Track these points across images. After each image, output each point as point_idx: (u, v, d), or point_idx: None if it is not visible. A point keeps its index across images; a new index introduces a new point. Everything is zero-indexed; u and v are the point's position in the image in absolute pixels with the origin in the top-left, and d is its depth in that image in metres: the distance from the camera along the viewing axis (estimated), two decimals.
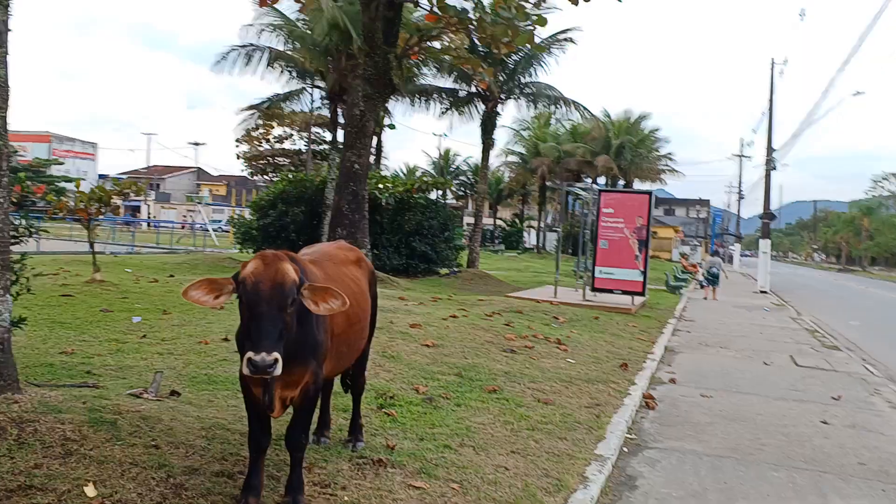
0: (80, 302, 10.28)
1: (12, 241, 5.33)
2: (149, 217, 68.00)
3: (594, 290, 16.78)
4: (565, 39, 23.52)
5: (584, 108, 25.62)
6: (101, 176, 73.81)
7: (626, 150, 52.14)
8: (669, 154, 58.92)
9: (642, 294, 16.73)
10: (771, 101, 30.48)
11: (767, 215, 30.11)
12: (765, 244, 29.35)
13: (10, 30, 4.27)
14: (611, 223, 16.45)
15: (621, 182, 53.69)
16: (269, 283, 3.20)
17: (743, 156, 57.27)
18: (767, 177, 30.22)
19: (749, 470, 5.71)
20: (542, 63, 23.94)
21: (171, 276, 15.65)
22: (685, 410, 7.65)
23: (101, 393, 5.05)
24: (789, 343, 13.72)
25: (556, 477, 4.77)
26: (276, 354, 3.08)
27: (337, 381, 5.42)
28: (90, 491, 3.46)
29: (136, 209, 71.84)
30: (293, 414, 3.76)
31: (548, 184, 56.53)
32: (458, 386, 6.85)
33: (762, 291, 28.15)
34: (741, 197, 62.08)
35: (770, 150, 29.93)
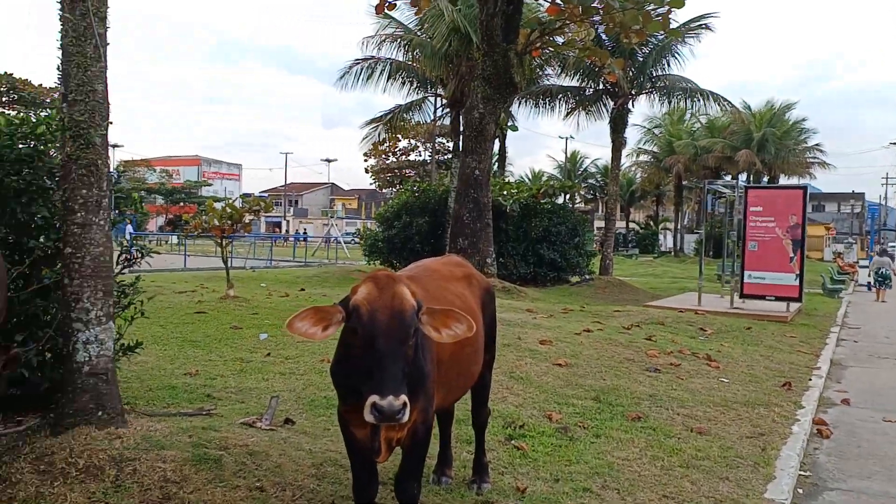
0: (213, 318, 10.42)
1: (127, 264, 5.22)
2: (291, 231, 71.29)
3: (743, 296, 15.30)
4: (700, 27, 21.95)
5: (724, 100, 23.82)
6: (244, 194, 78.51)
7: (770, 143, 48.48)
8: (818, 145, 54.31)
9: (798, 300, 15.07)
10: None
11: None
12: None
13: (108, 43, 4.07)
14: (760, 223, 14.94)
15: (765, 178, 50.03)
16: (388, 311, 2.72)
17: None
18: None
19: None
20: (676, 54, 22.47)
21: (302, 289, 15.85)
22: (867, 439, 6.47)
23: (211, 423, 4.77)
24: None
25: None
26: (404, 398, 2.59)
27: (462, 408, 4.88)
28: None
29: (277, 225, 75.65)
30: (402, 459, 3.23)
31: (684, 183, 53.72)
32: (597, 412, 6.10)
33: None
34: None
35: None
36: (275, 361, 7.59)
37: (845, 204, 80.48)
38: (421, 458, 3.22)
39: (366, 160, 55.66)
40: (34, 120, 4.63)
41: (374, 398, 2.58)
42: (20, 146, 4.55)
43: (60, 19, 3.96)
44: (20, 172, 4.44)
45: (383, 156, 53.48)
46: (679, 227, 58.20)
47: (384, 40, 20.51)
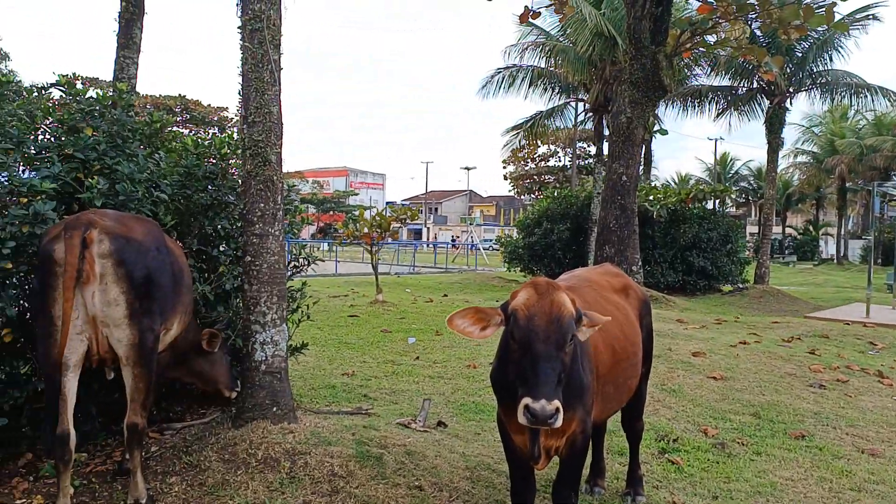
0: (364, 322, 10.93)
1: (295, 271, 5.62)
2: (431, 238, 72.98)
3: None
4: (867, 17, 20.18)
5: (894, 94, 21.74)
6: (388, 203, 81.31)
7: None
8: None
9: None
10: None
11: None
12: None
13: (281, 68, 4.42)
14: None
15: None
16: (546, 317, 2.77)
17: None
18: None
19: None
20: (839, 47, 20.77)
21: (445, 295, 16.22)
22: None
23: (371, 422, 5.03)
24: None
25: None
26: (557, 403, 2.63)
27: (613, 420, 4.83)
28: None
29: (418, 232, 77.70)
30: (559, 467, 3.26)
31: (848, 185, 49.51)
32: (756, 429, 5.80)
33: None
34: None
35: None
36: (424, 365, 7.85)
37: None
38: (578, 468, 3.24)
39: (504, 167, 55.93)
40: (219, 140, 5.11)
41: (527, 400, 2.63)
42: (207, 165, 5.04)
43: (241, 48, 4.36)
44: (207, 189, 4.92)
45: (522, 162, 53.49)
46: (842, 232, 53.70)
47: (526, 48, 20.58)
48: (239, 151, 5.11)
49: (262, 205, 4.31)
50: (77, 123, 4.35)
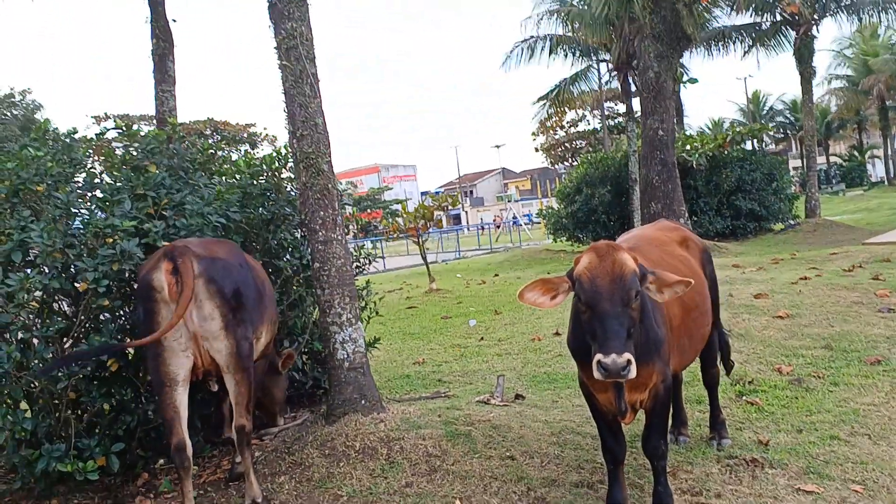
0: (423, 311, 11.15)
1: (357, 271, 5.84)
2: (472, 222, 73.15)
3: None
4: None
5: None
6: (422, 193, 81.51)
7: None
8: None
9: None
10: None
11: None
12: None
13: (319, 80, 4.61)
14: None
15: None
16: (609, 277, 2.91)
17: None
18: None
19: None
20: None
21: (496, 275, 16.35)
22: None
23: (452, 403, 5.23)
24: None
25: None
26: (627, 355, 2.78)
27: (690, 370, 4.94)
28: None
29: (458, 217, 77.86)
30: (646, 419, 3.40)
31: (888, 103, 47.92)
32: (830, 361, 5.83)
33: None
34: None
35: None
36: (489, 344, 8.03)
37: None
38: (665, 417, 3.38)
39: (534, 139, 55.60)
40: (269, 157, 5.34)
41: (599, 356, 2.78)
42: (261, 181, 5.28)
43: (280, 67, 4.56)
44: (265, 204, 5.15)
45: (552, 132, 53.09)
46: (889, 152, 52.03)
47: (542, 18, 20.47)
48: (289, 165, 5.35)
49: (322, 213, 4.52)
50: (139, 162, 4.62)
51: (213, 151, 5.41)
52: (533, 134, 53.44)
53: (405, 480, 3.82)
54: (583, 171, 20.61)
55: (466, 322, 9.64)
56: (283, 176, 5.39)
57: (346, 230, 4.81)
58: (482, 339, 8.40)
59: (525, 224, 43.04)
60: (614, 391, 3.08)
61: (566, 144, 54.54)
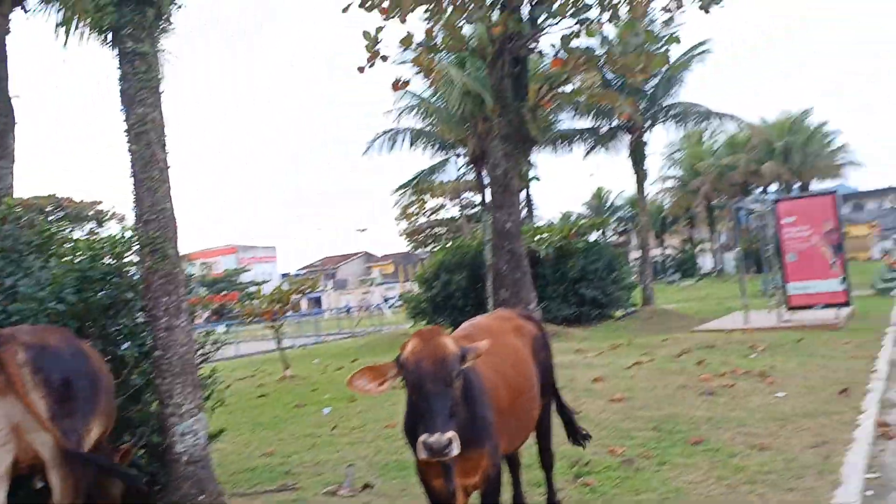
0: (276, 400, 10.82)
1: (202, 359, 5.67)
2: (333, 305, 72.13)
3: (790, 308, 15.28)
4: (701, 53, 22.46)
5: (738, 119, 24.12)
6: (283, 275, 79.81)
7: (794, 151, 48.24)
8: (845, 145, 53.72)
9: (847, 304, 15.00)
10: None
11: None
12: None
13: (170, 166, 4.60)
14: (795, 233, 15.05)
15: (797, 185, 49.59)
16: (431, 359, 3.08)
17: None
18: None
19: None
20: (682, 81, 22.95)
21: (355, 360, 16.20)
22: None
23: (299, 495, 5.12)
24: None
25: None
26: (450, 433, 2.92)
27: (528, 453, 5.15)
28: None
29: (318, 300, 76.64)
30: (480, 499, 3.53)
31: (713, 202, 53.54)
32: (658, 441, 6.29)
33: None
34: None
35: None
36: (342, 433, 7.92)
37: (885, 199, 78.67)
38: (496, 494, 3.51)
39: (397, 224, 56.66)
40: (112, 239, 5.16)
41: (423, 436, 2.92)
42: (102, 264, 5.08)
43: (129, 151, 4.52)
44: (105, 288, 4.95)
45: (413, 218, 54.38)
46: (716, 247, 57.66)
47: (403, 111, 21.41)
48: (133, 248, 5.20)
49: (166, 298, 4.43)
50: None
51: (50, 232, 5.16)
52: (396, 219, 54.49)
53: None
54: (441, 258, 21.24)
55: (320, 410, 9.46)
56: (125, 259, 5.22)
57: (192, 316, 4.70)
58: (335, 427, 8.27)
59: (387, 307, 43.16)
60: (444, 473, 3.20)
61: (427, 230, 55.94)
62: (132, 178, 4.51)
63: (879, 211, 75.83)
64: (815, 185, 49.82)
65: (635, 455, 5.88)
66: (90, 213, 41.18)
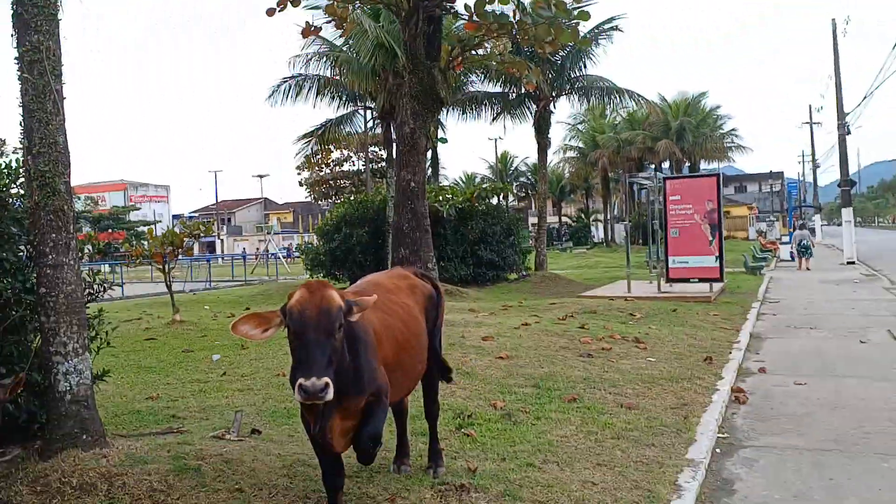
0: (163, 344, 10.62)
1: (89, 298, 5.53)
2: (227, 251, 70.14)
3: (669, 280, 16.31)
4: (611, 29, 23.07)
5: (639, 96, 25.05)
6: (175, 216, 76.69)
7: (687, 131, 50.74)
8: (734, 130, 57.00)
9: (720, 280, 16.18)
10: (836, 63, 29.04)
11: (846, 182, 28.68)
12: (847, 213, 28.01)
13: (65, 98, 4.42)
14: (679, 210, 15.98)
15: (686, 165, 52.26)
16: (315, 309, 3.21)
17: (813, 123, 54.71)
18: (842, 143, 28.80)
19: (856, 463, 5.36)
20: (591, 55, 23.53)
21: (247, 308, 16.03)
22: (779, 402, 7.27)
23: (184, 438, 5.15)
24: (886, 316, 12.95)
25: (646, 488, 4.58)
26: (326, 379, 3.08)
27: (416, 405, 5.39)
28: None
29: (212, 245, 74.29)
30: (361, 425, 3.64)
31: (610, 175, 55.66)
32: (537, 398, 6.71)
33: (849, 262, 26.86)
34: (816, 166, 59.31)
35: (841, 114, 28.53)
36: (231, 380, 7.93)
37: (765, 183, 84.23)
38: (377, 418, 3.64)
39: (299, 173, 55.46)
40: None
41: (300, 380, 3.08)
42: None
43: (20, 79, 4.30)
44: None
45: (317, 168, 53.39)
46: (609, 217, 60.14)
47: (311, 58, 20.86)
48: (19, 181, 4.98)
49: (54, 235, 4.30)
50: None
51: None
52: (298, 168, 53.30)
53: None
54: (343, 211, 21.15)
55: (209, 356, 9.39)
56: (11, 192, 4.99)
57: (80, 254, 4.58)
58: (224, 373, 8.26)
59: (284, 257, 42.50)
60: (320, 416, 3.35)
61: (330, 182, 55.13)
62: (22, 108, 4.29)
63: (759, 194, 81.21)
64: (704, 166, 52.69)
65: (515, 409, 6.26)
66: None
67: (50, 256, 4.29)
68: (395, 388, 4.02)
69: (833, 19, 30.23)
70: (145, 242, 13.55)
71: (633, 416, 6.24)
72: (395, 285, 4.39)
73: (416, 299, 4.45)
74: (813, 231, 54.66)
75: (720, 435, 6.18)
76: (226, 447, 4.90)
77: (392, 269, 4.89)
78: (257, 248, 53.66)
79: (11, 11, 4.25)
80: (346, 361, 3.34)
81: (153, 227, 14.90)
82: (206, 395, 7.22)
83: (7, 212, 4.86)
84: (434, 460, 4.74)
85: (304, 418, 3.60)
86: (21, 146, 4.36)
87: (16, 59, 4.26)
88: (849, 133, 28.66)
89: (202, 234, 14.12)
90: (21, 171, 4.95)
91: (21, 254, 5.18)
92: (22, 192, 5.08)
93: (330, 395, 3.08)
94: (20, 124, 4.31)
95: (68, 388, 4.26)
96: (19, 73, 4.26)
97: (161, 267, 13.27)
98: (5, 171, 4.96)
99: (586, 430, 5.80)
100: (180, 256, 14.53)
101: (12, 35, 4.24)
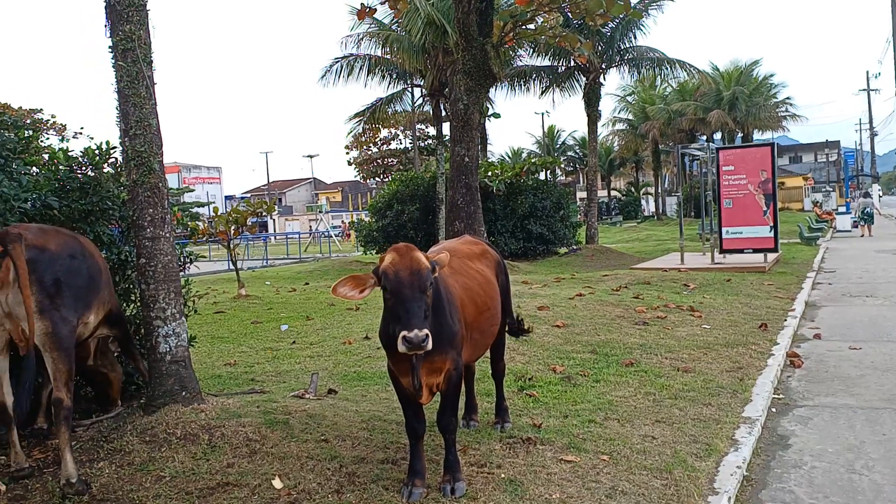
0: (232, 317, 11.17)
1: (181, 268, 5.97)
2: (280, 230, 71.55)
3: (723, 251, 16.23)
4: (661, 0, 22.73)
5: (690, 66, 24.64)
6: (227, 197, 78.45)
7: (740, 101, 49.40)
8: (788, 99, 55.17)
9: (775, 250, 16.03)
10: (895, 26, 28.00)
11: None
12: None
13: (156, 83, 4.80)
14: (733, 181, 15.85)
15: (739, 135, 50.99)
16: (408, 270, 3.53)
17: (871, 89, 52.69)
18: None
19: None
20: (642, 26, 23.23)
21: (307, 283, 16.59)
22: (833, 365, 7.36)
23: (268, 397, 5.56)
24: None
25: (705, 442, 4.80)
26: (426, 330, 3.40)
27: (480, 369, 5.69)
28: (277, 483, 3.90)
29: (264, 225, 75.83)
30: (441, 399, 4.03)
31: (661, 147, 54.70)
32: (594, 363, 6.94)
33: None
34: (874, 134, 57.19)
35: None
36: (301, 347, 8.37)
37: (821, 153, 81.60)
38: (456, 397, 4.03)
39: (347, 153, 56.03)
40: (90, 151, 5.35)
41: (403, 332, 3.40)
42: (80, 175, 5.29)
43: (114, 67, 4.68)
44: (84, 198, 5.18)
45: (365, 147, 53.86)
46: (659, 190, 59.24)
47: (362, 38, 21.15)
48: (110, 161, 5.42)
49: (151, 210, 4.69)
50: None
51: (28, 138, 5.31)
52: (346, 148, 53.85)
53: (227, 461, 4.13)
54: (394, 189, 21.51)
55: (278, 327, 9.86)
56: (104, 170, 5.42)
57: (172, 228, 5.00)
58: (294, 342, 8.70)
59: (336, 235, 43.27)
60: (413, 371, 3.68)
61: (379, 161, 55.54)
62: (118, 94, 4.66)
63: (815, 164, 78.73)
64: (758, 137, 51.33)
65: (574, 373, 6.51)
66: (28, 121, 39.57)
67: (148, 230, 4.68)
68: (473, 348, 4.32)
69: None
70: (200, 224, 14.12)
71: (689, 379, 6.43)
72: (470, 251, 4.68)
73: (488, 263, 4.74)
74: (872, 198, 53.02)
75: (775, 396, 6.33)
76: (307, 405, 5.29)
77: (463, 237, 5.18)
78: (310, 227, 54.63)
79: (105, 3, 4.62)
80: (431, 321, 3.65)
81: (216, 206, 15.49)
82: (280, 361, 7.67)
83: (102, 188, 5.30)
84: (501, 416, 5.05)
85: (392, 374, 3.92)
86: (117, 128, 4.74)
87: (109, 47, 4.63)
88: None
89: (265, 213, 14.64)
90: (112, 151, 5.39)
91: (114, 229, 5.64)
92: (111, 171, 5.53)
93: (430, 344, 3.40)
94: (116, 108, 4.69)
95: (168, 350, 4.68)
96: (113, 60, 4.63)
97: (226, 244, 13.85)
98: (97, 151, 5.39)
99: (644, 392, 6.02)
100: (242, 234, 15.11)
101: (105, 25, 4.61)
